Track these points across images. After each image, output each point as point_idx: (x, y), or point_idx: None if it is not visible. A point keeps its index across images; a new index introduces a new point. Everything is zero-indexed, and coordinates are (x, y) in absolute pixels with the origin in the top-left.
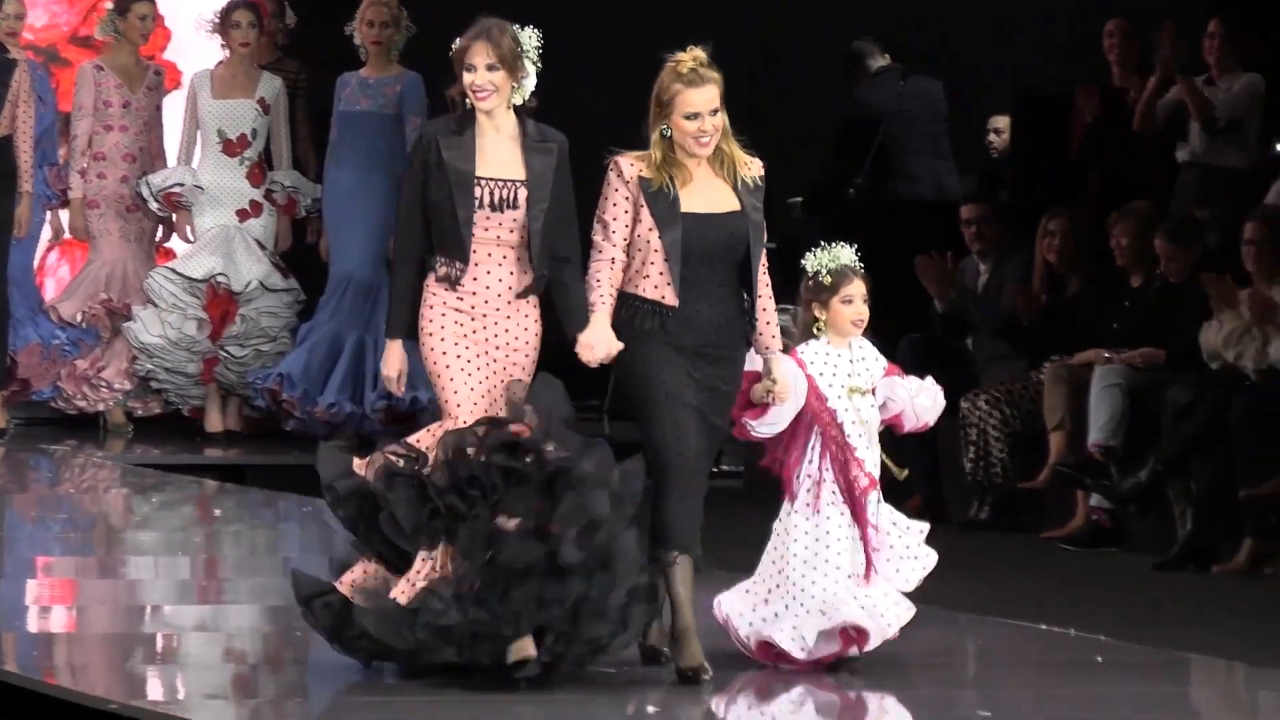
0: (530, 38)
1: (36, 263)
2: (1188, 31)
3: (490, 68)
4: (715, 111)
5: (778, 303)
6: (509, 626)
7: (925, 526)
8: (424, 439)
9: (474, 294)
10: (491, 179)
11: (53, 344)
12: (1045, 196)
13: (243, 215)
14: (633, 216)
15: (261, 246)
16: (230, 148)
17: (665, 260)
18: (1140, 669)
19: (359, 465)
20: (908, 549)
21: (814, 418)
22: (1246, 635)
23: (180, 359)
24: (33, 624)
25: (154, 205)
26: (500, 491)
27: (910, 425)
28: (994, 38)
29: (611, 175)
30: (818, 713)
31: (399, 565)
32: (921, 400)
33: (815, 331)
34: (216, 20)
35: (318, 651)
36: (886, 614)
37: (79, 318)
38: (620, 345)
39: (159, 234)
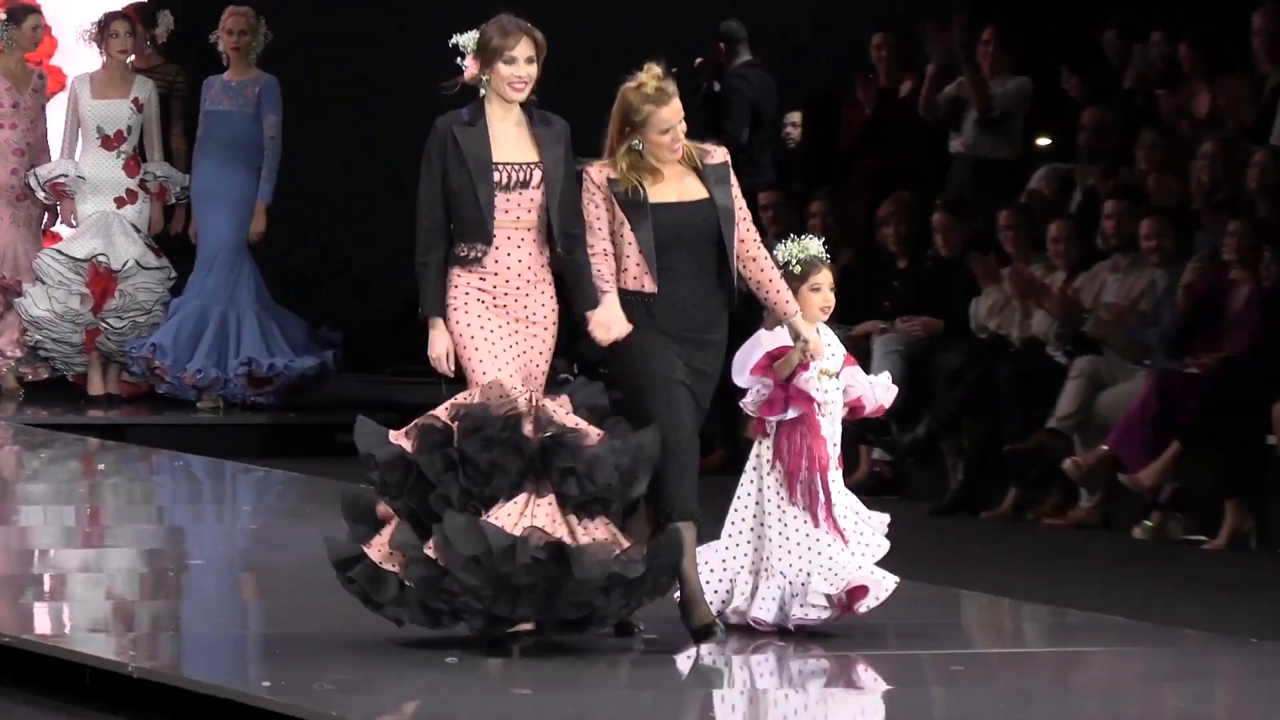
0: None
1: None
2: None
3: (529, 60)
4: (682, 119)
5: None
6: (525, 610)
7: (886, 518)
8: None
9: (495, 274)
10: (508, 163)
11: None
12: (826, 185)
13: (120, 202)
14: (609, 216)
15: (137, 230)
16: (108, 142)
17: (640, 251)
18: (916, 602)
19: (395, 435)
20: (861, 536)
21: (792, 397)
22: (1011, 572)
23: (66, 330)
24: None
25: (41, 194)
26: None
27: (870, 409)
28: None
29: (586, 183)
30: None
31: (429, 527)
32: (879, 390)
33: None
34: (95, 30)
35: (192, 587)
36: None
37: None
38: (630, 326)
39: (45, 219)
